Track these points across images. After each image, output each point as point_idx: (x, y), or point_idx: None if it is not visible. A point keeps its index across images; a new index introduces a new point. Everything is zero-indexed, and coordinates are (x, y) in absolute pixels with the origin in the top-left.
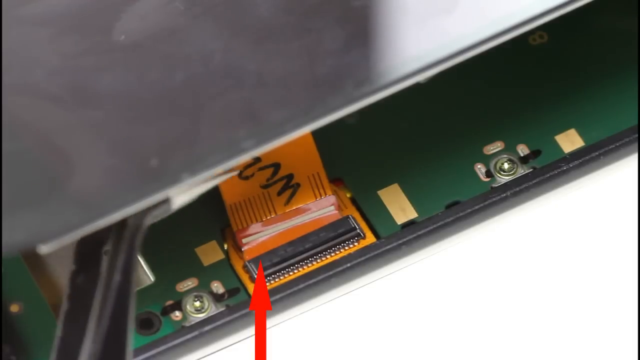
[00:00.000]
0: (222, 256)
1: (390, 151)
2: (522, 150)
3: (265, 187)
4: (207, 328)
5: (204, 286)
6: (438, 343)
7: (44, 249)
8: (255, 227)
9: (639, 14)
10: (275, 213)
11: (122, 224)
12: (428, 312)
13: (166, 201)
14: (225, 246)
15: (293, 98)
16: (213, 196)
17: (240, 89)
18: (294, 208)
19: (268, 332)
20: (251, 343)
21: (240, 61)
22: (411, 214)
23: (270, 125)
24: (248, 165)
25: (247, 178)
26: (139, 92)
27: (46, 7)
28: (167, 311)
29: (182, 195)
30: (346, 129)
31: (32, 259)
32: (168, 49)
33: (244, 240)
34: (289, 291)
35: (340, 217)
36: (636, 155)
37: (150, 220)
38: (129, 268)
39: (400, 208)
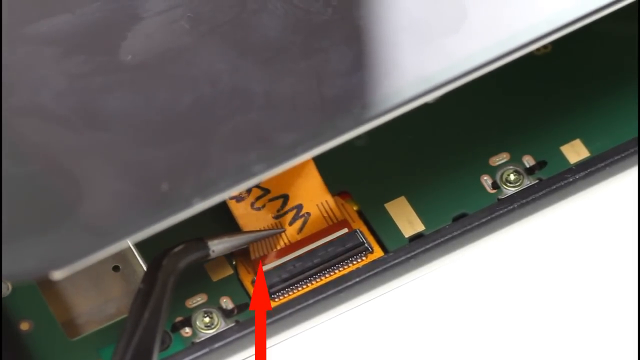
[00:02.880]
0: (230, 271)
1: (397, 164)
2: (528, 161)
3: (277, 217)
4: (217, 345)
5: (213, 302)
6: (447, 355)
7: (56, 275)
8: (271, 256)
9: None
10: (290, 241)
11: (157, 265)
12: (437, 325)
13: (205, 248)
14: (234, 261)
15: (302, 120)
16: (221, 211)
17: (248, 111)
18: (307, 236)
19: (277, 348)
20: None
21: (248, 82)
22: (418, 226)
23: (280, 148)
24: (259, 197)
25: (259, 209)
26: (148, 114)
27: (52, 26)
28: (177, 327)
29: (221, 244)
30: (352, 142)
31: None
32: (175, 70)
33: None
34: (298, 307)
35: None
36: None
37: (185, 264)
38: (159, 308)
39: (408, 220)
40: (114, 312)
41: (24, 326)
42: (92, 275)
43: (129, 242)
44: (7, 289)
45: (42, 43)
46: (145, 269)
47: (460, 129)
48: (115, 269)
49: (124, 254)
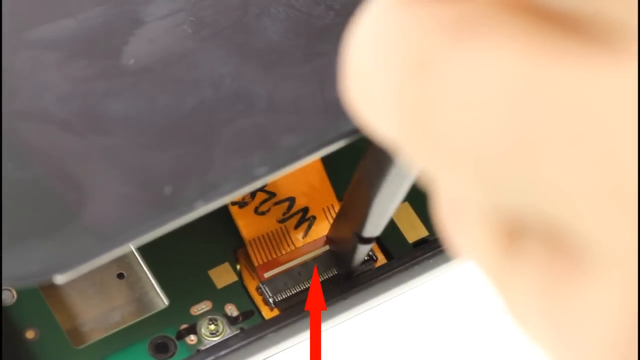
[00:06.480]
0: (235, 278)
1: None
2: None
3: (282, 221)
4: (222, 352)
5: (218, 309)
6: None
7: (59, 279)
8: (276, 261)
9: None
10: (295, 246)
11: None
12: (442, 331)
13: None
14: (238, 267)
15: (305, 123)
16: (224, 218)
17: (251, 115)
18: (312, 240)
19: (282, 355)
20: None
21: (251, 86)
22: (422, 232)
23: (283, 151)
24: (264, 201)
25: (263, 213)
26: (151, 118)
27: (54, 31)
28: (182, 335)
29: None
30: (354, 146)
31: (46, 284)
32: (178, 74)
33: (265, 275)
34: (302, 314)
35: None
36: None
37: None
38: None
39: (411, 226)
40: (119, 319)
41: (30, 334)
42: (96, 282)
43: (133, 248)
44: (12, 297)
45: (44, 47)
46: (150, 276)
47: None
48: (120, 276)
49: (128, 261)
